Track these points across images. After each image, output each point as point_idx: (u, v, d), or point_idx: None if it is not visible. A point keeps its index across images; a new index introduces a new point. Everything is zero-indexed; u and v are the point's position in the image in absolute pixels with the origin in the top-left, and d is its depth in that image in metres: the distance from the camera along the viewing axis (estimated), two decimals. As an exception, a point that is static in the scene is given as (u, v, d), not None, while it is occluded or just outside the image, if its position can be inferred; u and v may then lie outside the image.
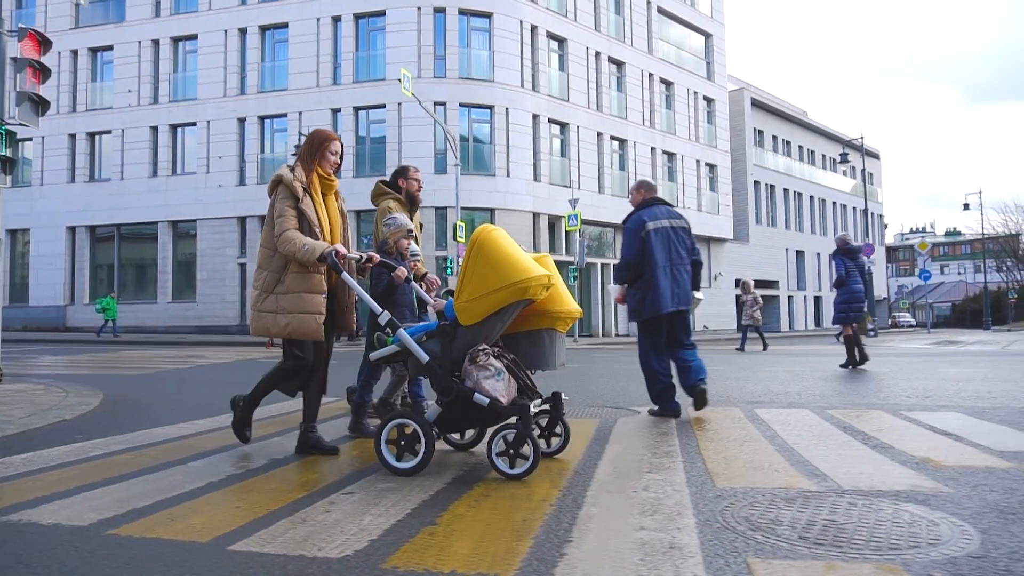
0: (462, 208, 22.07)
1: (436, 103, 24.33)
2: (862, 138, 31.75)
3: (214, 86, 26.62)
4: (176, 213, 27.01)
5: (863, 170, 33.64)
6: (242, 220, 26.47)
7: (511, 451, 3.30)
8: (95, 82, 28.48)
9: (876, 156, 54.96)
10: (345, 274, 3.74)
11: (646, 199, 5.55)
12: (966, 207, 38.83)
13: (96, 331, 23.41)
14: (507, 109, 25.38)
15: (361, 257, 3.96)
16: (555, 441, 3.85)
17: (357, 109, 25.37)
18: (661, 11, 32.78)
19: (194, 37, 26.99)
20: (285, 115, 25.93)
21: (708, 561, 2.14)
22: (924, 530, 2.44)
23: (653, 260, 5.30)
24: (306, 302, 3.73)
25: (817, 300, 44.90)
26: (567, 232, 25.63)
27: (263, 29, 26.50)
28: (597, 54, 29.29)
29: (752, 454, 3.87)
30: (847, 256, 9.93)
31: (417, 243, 4.94)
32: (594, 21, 29.35)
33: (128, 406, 6.31)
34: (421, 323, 3.88)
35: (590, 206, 27.85)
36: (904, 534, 2.40)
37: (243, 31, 26.54)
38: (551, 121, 27.13)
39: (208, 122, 26.64)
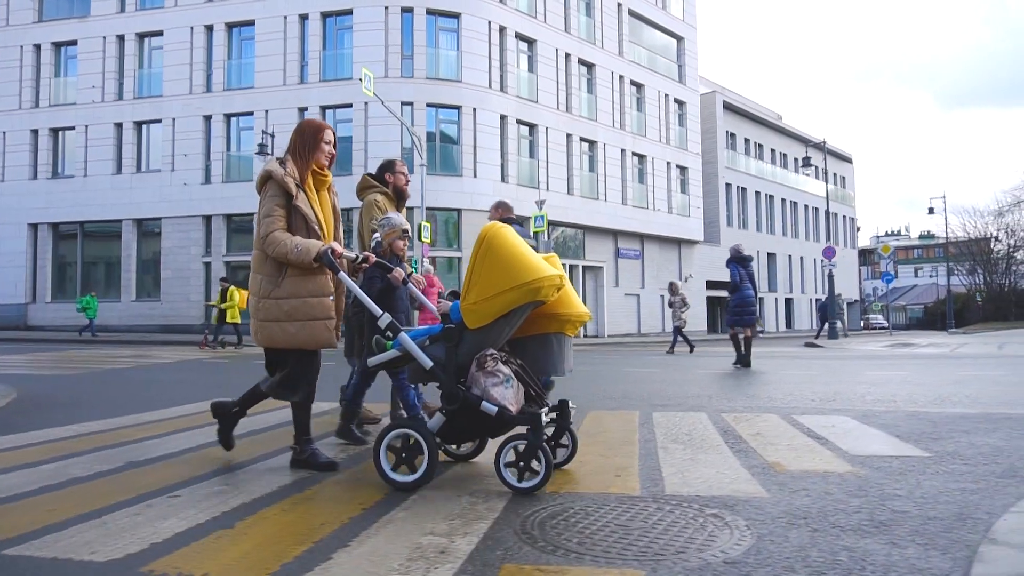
0: (428, 208, 22.06)
1: (403, 103, 24.32)
2: (824, 142, 32.12)
3: (180, 83, 26.40)
4: (140, 211, 26.76)
5: (827, 171, 33.79)
6: (207, 219, 26.27)
7: (521, 463, 3.13)
8: (58, 77, 28.12)
9: (848, 160, 55.57)
10: (343, 274, 3.48)
11: (503, 218, 5.86)
12: (931, 211, 39.48)
13: (89, 330, 22.79)
14: (475, 109, 25.40)
15: (357, 256, 3.74)
16: (561, 452, 3.66)
17: (324, 108, 25.27)
18: (632, 13, 32.93)
19: (160, 33, 26.74)
20: (251, 113, 25.77)
21: (464, 567, 2.18)
22: (704, 535, 2.50)
23: None
24: (313, 308, 3.46)
25: (788, 302, 45.35)
26: (535, 233, 25.67)
27: (229, 26, 26.31)
28: (567, 56, 29.37)
29: (610, 458, 3.92)
30: (740, 264, 10.49)
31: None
32: (564, 23, 29.43)
33: (33, 406, 6.26)
34: (422, 327, 3.67)
35: (559, 207, 27.96)
36: (681, 540, 2.45)
37: (209, 28, 26.33)
38: (519, 122, 27.18)
39: (173, 119, 26.41)
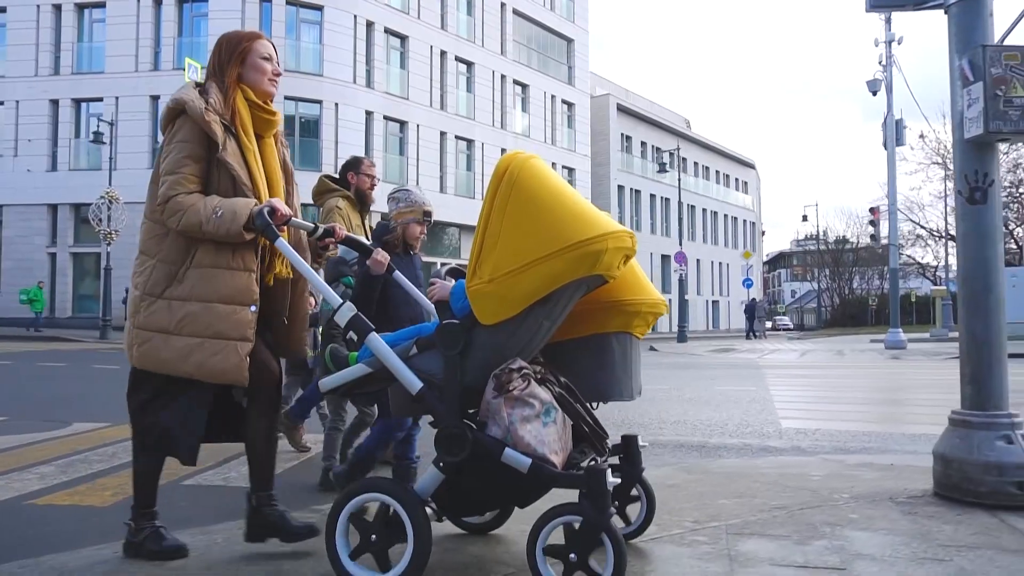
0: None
1: (260, 95, 23.65)
2: (678, 148, 32.82)
3: (25, 64, 25.06)
4: (-20, 198, 25.39)
5: (680, 170, 34.21)
6: (53, 208, 25.11)
7: (573, 556, 1.88)
8: None
9: (751, 166, 57.03)
10: (282, 241, 2.22)
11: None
12: (804, 219, 40.87)
13: (29, 326, 21.74)
14: (337, 105, 24.93)
15: (316, 227, 2.49)
16: (631, 513, 2.48)
17: (178, 97, 24.39)
18: (517, 13, 32.90)
19: (3, 10, 25.33)
20: (101, 99, 24.70)
21: None
22: None
23: None
24: (222, 320, 2.22)
25: (684, 304, 46.26)
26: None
27: (79, 7, 25.14)
28: (443, 53, 29.12)
29: None
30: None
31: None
32: (440, 20, 29.15)
33: None
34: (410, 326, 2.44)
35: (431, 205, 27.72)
36: None
37: (57, 7, 25.09)
38: (388, 119, 26.84)
39: (17, 102, 25.07)
